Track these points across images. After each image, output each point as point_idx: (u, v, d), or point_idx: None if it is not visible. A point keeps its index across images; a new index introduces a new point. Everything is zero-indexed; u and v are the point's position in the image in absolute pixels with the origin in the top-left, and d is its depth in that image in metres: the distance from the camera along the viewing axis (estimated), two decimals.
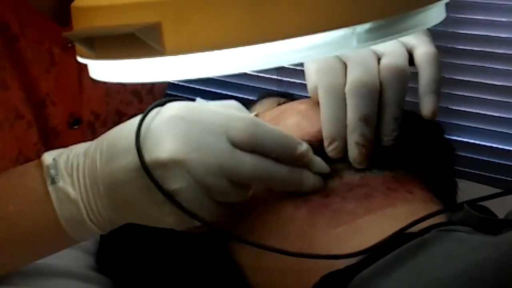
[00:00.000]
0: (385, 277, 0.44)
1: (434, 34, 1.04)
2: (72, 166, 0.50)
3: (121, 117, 0.79)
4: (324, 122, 0.54)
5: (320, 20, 0.41)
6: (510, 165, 1.07)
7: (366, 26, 0.42)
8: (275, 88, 1.14)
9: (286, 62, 0.43)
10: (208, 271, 0.58)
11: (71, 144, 0.73)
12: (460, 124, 1.10)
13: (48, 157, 0.51)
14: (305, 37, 0.41)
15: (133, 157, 0.47)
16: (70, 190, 0.49)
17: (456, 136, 1.09)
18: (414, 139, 0.57)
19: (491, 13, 1.03)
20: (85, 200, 0.49)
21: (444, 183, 0.59)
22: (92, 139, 0.74)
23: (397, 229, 0.48)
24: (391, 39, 0.43)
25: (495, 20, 1.03)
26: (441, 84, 0.53)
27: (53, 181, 0.49)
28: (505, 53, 1.03)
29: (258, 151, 0.49)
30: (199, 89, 1.10)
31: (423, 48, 0.54)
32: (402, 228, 0.47)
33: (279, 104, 0.62)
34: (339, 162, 0.54)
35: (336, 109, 0.53)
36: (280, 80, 1.14)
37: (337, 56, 0.54)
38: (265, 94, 0.72)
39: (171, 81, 0.89)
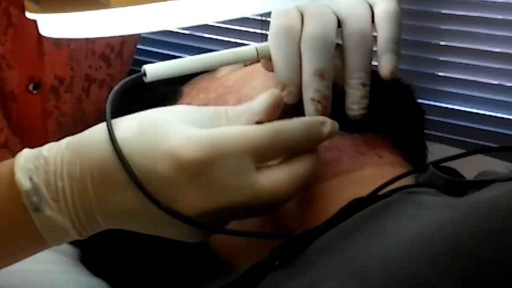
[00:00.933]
0: (345, 240, 0.42)
1: None
2: (57, 190, 0.43)
3: (90, 83, 0.77)
4: (275, 67, 0.52)
5: None
6: (491, 130, 1.06)
7: None
8: (259, 30, 1.09)
9: (238, 14, 0.40)
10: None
11: (31, 109, 0.72)
12: (445, 90, 1.09)
13: (23, 177, 0.43)
14: None
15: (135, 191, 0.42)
16: (59, 218, 0.43)
17: (440, 102, 1.08)
18: (384, 100, 0.55)
19: None
20: (77, 223, 0.44)
21: (414, 146, 0.57)
22: (56, 104, 0.73)
23: (363, 193, 0.46)
24: None
25: None
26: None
27: (37, 210, 0.43)
28: (490, 18, 1.02)
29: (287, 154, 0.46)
30: (170, 42, 1.02)
31: (383, 6, 0.52)
32: (366, 195, 0.45)
33: (246, 65, 0.60)
34: None
35: (287, 52, 0.51)
36: (264, 20, 1.10)
37: (295, 6, 0.52)
38: None
39: (140, 47, 0.87)
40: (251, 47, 0.53)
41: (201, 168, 0.42)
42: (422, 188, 0.45)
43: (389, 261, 0.36)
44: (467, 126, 1.07)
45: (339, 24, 0.53)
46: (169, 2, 0.38)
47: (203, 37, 0.94)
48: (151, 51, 0.99)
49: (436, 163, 0.47)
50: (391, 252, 0.37)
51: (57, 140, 0.46)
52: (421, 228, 0.38)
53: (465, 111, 1.07)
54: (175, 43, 0.97)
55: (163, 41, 0.96)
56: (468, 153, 0.50)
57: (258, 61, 0.57)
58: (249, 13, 0.41)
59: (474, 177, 0.48)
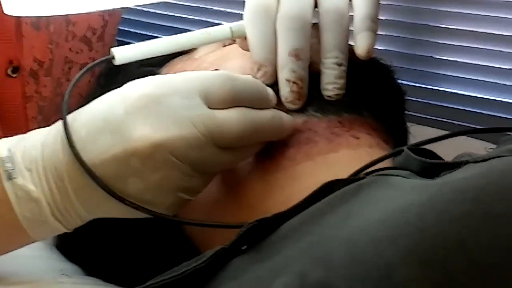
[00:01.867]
0: (314, 224, 0.41)
1: None
2: (31, 159, 0.44)
3: (71, 66, 0.76)
4: (251, 47, 0.51)
5: None
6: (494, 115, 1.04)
7: None
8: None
9: None
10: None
11: (11, 93, 0.71)
12: (443, 74, 1.07)
13: (2, 147, 0.44)
14: None
15: (105, 146, 0.43)
16: (31, 187, 0.43)
17: (439, 86, 1.06)
18: (361, 81, 0.54)
19: None
20: (49, 197, 0.44)
21: (393, 127, 0.55)
22: (36, 88, 0.72)
23: (337, 175, 0.45)
24: None
25: None
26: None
27: (10, 177, 0.43)
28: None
29: (237, 104, 0.46)
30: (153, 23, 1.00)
31: None
32: (339, 179, 0.43)
33: (224, 46, 0.59)
34: (280, 104, 0.51)
35: (262, 32, 0.51)
36: None
37: None
38: None
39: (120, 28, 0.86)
40: (225, 27, 0.52)
41: (148, 101, 0.43)
42: (397, 170, 0.44)
43: (353, 244, 0.35)
44: (467, 110, 1.05)
45: (316, 3, 0.52)
46: None
47: (187, 18, 0.92)
48: (133, 32, 0.98)
49: (415, 146, 0.46)
50: (356, 234, 0.36)
51: (39, 126, 0.47)
52: (387, 210, 0.37)
53: (464, 94, 1.05)
54: (157, 24, 0.95)
55: (144, 22, 0.95)
56: (451, 134, 0.49)
57: (235, 41, 0.56)
58: None
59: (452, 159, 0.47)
